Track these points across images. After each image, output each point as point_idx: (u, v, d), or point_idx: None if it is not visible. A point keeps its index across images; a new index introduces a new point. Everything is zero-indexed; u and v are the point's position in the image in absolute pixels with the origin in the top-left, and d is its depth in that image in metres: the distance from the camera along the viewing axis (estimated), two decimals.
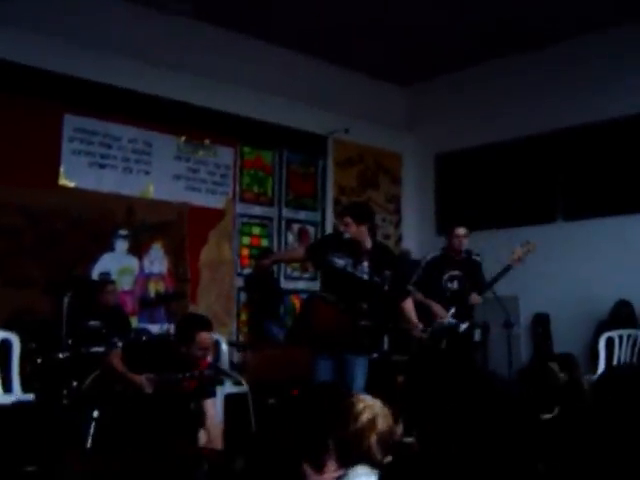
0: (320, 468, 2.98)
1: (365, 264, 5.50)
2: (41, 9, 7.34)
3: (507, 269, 6.43)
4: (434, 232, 10.21)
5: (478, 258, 6.69)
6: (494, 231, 9.32)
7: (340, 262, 5.52)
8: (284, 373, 7.47)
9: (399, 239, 10.57)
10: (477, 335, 6.57)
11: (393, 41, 9.04)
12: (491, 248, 7.86)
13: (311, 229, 9.68)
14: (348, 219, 5.53)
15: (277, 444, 3.98)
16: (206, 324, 5.03)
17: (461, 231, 6.53)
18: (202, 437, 4.22)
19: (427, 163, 10.62)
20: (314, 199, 9.76)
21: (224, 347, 7.77)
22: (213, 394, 5.16)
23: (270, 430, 5.52)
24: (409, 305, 5.72)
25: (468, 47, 9.21)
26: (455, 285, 6.49)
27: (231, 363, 7.91)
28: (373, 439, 2.86)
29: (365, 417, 2.90)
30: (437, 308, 6.31)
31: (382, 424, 2.91)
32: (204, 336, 4.94)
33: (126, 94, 7.87)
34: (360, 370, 5.53)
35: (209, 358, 5.23)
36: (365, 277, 5.50)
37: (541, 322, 8.93)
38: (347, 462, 2.86)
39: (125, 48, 7.81)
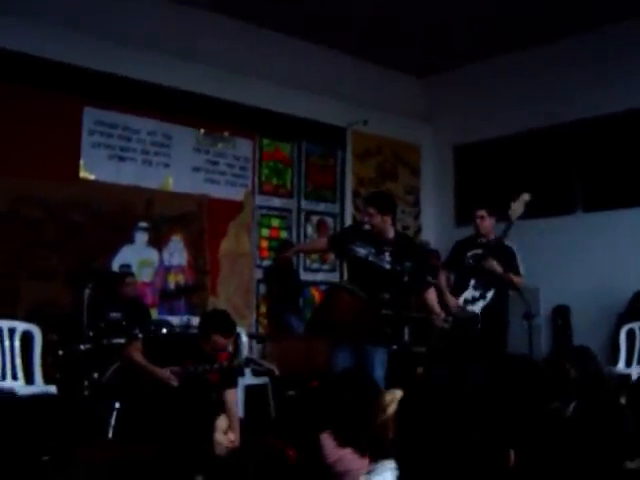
0: (364, 452, 3.00)
1: (387, 254, 5.50)
2: (62, 3, 7.36)
3: (509, 226, 6.23)
4: (453, 224, 10.19)
5: (511, 245, 6.47)
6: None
7: (362, 251, 5.52)
8: (303, 365, 7.49)
9: (418, 230, 10.55)
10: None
11: (412, 32, 9.01)
12: (511, 240, 7.85)
13: (330, 221, 9.68)
14: (372, 209, 5.50)
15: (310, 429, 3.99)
16: (223, 328, 5.03)
17: (479, 212, 6.36)
18: (222, 424, 4.21)
19: (446, 155, 10.60)
20: (333, 191, 9.75)
21: (244, 339, 7.80)
22: (235, 385, 5.19)
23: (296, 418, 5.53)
24: (432, 295, 5.72)
25: (487, 38, 9.17)
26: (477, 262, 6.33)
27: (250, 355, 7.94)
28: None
29: (392, 409, 2.90)
30: (448, 297, 6.22)
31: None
32: (218, 339, 4.98)
33: (145, 87, 7.89)
34: (380, 361, 5.51)
35: (230, 348, 5.26)
36: (387, 266, 5.50)
37: (561, 314, 8.89)
38: (376, 455, 2.86)
39: (144, 41, 7.83)
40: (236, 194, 8.75)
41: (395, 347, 6.22)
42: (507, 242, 6.38)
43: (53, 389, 5.98)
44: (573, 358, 5.18)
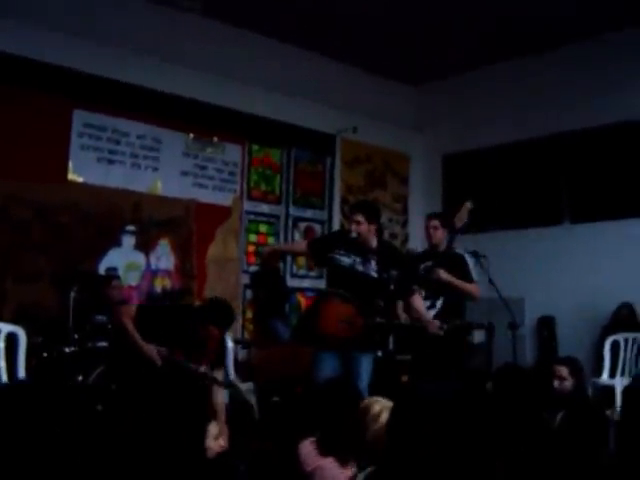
0: (346, 463, 3.01)
1: (373, 262, 5.56)
2: (52, 4, 7.37)
3: (453, 235, 6.30)
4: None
5: (462, 252, 6.45)
6: (501, 232, 9.33)
7: (346, 260, 5.55)
8: (289, 371, 7.50)
9: (406, 239, 10.57)
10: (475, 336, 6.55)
11: (403, 40, 9.05)
12: (497, 249, 7.88)
13: (318, 227, 9.69)
14: (360, 217, 5.56)
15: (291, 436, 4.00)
16: (221, 321, 5.13)
17: (432, 222, 6.46)
18: (213, 430, 4.20)
19: (435, 164, 10.63)
20: (321, 198, 9.76)
21: (229, 344, 7.79)
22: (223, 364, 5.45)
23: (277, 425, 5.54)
24: (418, 302, 5.81)
25: (477, 48, 9.22)
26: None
27: (236, 360, 7.93)
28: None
29: (384, 418, 2.92)
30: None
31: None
32: (213, 331, 5.08)
33: (135, 90, 7.89)
34: (366, 368, 5.58)
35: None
36: (374, 275, 5.58)
37: (546, 324, 8.92)
38: (366, 462, 2.88)
39: (135, 44, 7.84)
40: (224, 199, 8.75)
41: (380, 354, 6.23)
42: (458, 250, 6.42)
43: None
44: (572, 367, 5.22)
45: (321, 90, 9.45)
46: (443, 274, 6.13)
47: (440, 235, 6.38)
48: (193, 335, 5.08)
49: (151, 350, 5.07)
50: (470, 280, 6.30)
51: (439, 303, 6.20)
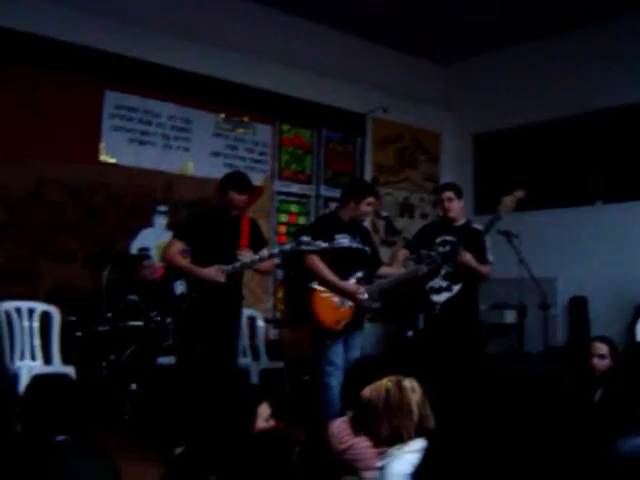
0: (379, 441, 3.05)
1: (358, 238, 5.79)
2: None
3: (496, 218, 5.93)
4: (472, 212, 10.16)
5: (479, 227, 6.18)
6: (532, 212, 9.24)
7: (345, 241, 5.69)
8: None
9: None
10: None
11: (433, 19, 8.97)
12: (529, 229, 7.85)
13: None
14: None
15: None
16: (239, 185, 5.36)
17: (446, 194, 6.15)
18: (264, 411, 4.13)
19: (465, 143, 10.57)
20: (352, 178, 9.74)
21: (261, 323, 7.86)
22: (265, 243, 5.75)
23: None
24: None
25: (508, 26, 9.11)
26: (447, 248, 6.02)
27: (267, 339, 7.99)
28: (425, 409, 2.95)
29: (416, 397, 2.97)
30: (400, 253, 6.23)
31: (419, 393, 3.00)
32: (234, 196, 5.31)
33: (166, 71, 7.90)
34: (358, 343, 5.79)
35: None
36: (367, 249, 5.84)
37: (578, 305, 8.85)
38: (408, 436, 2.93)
39: (165, 25, 7.84)
40: (255, 179, 8.69)
41: (410, 334, 6.19)
42: (476, 225, 6.22)
43: (71, 370, 6.05)
44: (611, 346, 5.19)
45: (351, 69, 9.41)
46: (470, 258, 5.90)
47: (456, 207, 6.15)
48: (226, 220, 5.38)
49: (209, 271, 5.19)
50: (485, 260, 6.07)
51: (456, 288, 5.97)
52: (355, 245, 5.71)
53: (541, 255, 7.81)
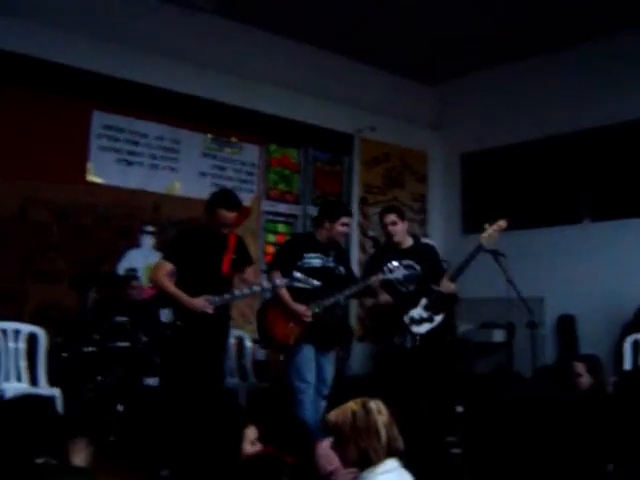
0: (347, 465, 3.03)
1: (331, 258, 5.84)
2: (70, 7, 7.39)
3: (479, 249, 5.76)
4: (460, 231, 10.20)
5: (429, 242, 6.09)
6: (519, 231, 9.24)
7: (316, 261, 5.75)
8: None
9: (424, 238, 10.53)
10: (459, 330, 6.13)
11: (420, 40, 9.03)
12: (516, 248, 7.83)
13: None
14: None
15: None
16: (227, 202, 5.37)
17: (389, 218, 5.88)
18: (251, 434, 4.07)
19: (453, 162, 10.60)
20: (340, 197, 9.75)
21: (248, 344, 7.82)
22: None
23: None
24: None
25: (495, 47, 9.17)
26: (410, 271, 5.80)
27: (255, 360, 7.95)
28: (395, 429, 2.92)
29: (385, 413, 2.94)
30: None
31: (386, 414, 2.97)
32: (224, 214, 5.32)
33: (153, 91, 7.92)
34: (332, 362, 5.99)
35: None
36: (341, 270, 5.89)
37: (567, 324, 8.86)
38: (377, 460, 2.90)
39: (152, 46, 7.87)
40: (243, 199, 8.67)
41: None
42: (425, 240, 6.20)
43: (57, 391, 6.00)
44: (590, 365, 5.20)
45: (338, 90, 9.44)
46: (450, 286, 5.72)
47: (401, 230, 5.89)
48: (213, 235, 5.41)
49: (198, 301, 5.19)
50: (442, 272, 5.81)
51: (438, 319, 5.76)
52: (328, 265, 5.75)
53: (529, 274, 7.79)
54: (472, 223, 10.07)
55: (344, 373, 8.19)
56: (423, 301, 5.74)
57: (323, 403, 5.78)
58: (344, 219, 5.78)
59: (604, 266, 8.56)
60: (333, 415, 3.05)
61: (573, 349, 8.64)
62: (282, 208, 9.21)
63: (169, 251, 5.58)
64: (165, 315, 5.36)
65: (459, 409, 7.20)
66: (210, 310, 5.18)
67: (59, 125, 7.37)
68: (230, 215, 5.35)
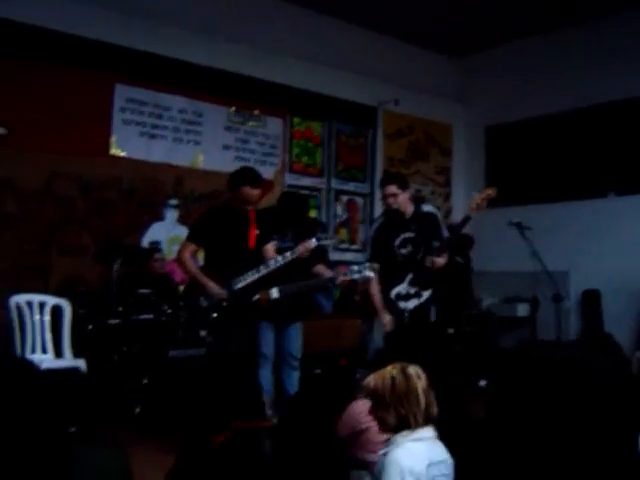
0: (387, 429, 3.04)
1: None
2: None
3: (466, 219, 5.63)
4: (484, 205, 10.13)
5: (430, 209, 5.90)
6: (544, 205, 9.22)
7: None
8: (332, 343, 7.52)
9: (449, 212, 10.49)
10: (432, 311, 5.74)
11: (444, 12, 8.93)
12: (542, 222, 7.81)
13: (360, 200, 9.66)
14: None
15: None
16: (253, 180, 5.38)
17: (389, 189, 5.69)
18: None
19: (477, 135, 10.53)
20: (363, 170, 9.72)
21: None
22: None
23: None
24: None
25: (519, 19, 9.06)
26: (409, 249, 5.68)
27: None
28: (430, 396, 2.91)
29: (424, 379, 2.96)
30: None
31: (424, 379, 2.98)
32: (248, 191, 5.34)
33: (176, 64, 7.89)
34: (298, 334, 6.13)
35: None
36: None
37: (591, 298, 8.80)
38: (413, 424, 2.92)
39: (175, 19, 7.83)
40: (266, 172, 8.71)
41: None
42: (426, 208, 5.88)
43: (82, 363, 6.05)
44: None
45: (362, 62, 9.37)
46: (441, 261, 5.56)
47: (402, 200, 5.69)
48: (235, 213, 5.44)
49: (213, 287, 5.29)
50: (441, 238, 5.67)
51: (426, 295, 5.65)
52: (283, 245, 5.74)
53: (554, 248, 7.77)
54: (496, 196, 10.00)
55: (368, 346, 8.19)
56: (409, 277, 5.63)
57: (296, 373, 6.00)
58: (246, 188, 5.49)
59: (629, 240, 8.49)
60: (372, 380, 3.06)
61: (597, 324, 8.60)
62: (305, 181, 9.18)
63: (193, 232, 5.64)
64: (207, 300, 5.38)
65: (482, 383, 7.22)
66: (224, 296, 5.27)
67: (82, 99, 7.36)
68: (254, 192, 5.36)
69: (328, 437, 3.88)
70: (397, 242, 5.70)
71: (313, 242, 5.44)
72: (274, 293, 5.63)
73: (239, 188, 5.35)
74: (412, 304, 5.63)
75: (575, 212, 9.04)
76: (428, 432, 2.95)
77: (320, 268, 5.95)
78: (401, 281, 5.65)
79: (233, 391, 5.11)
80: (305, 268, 5.79)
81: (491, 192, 5.66)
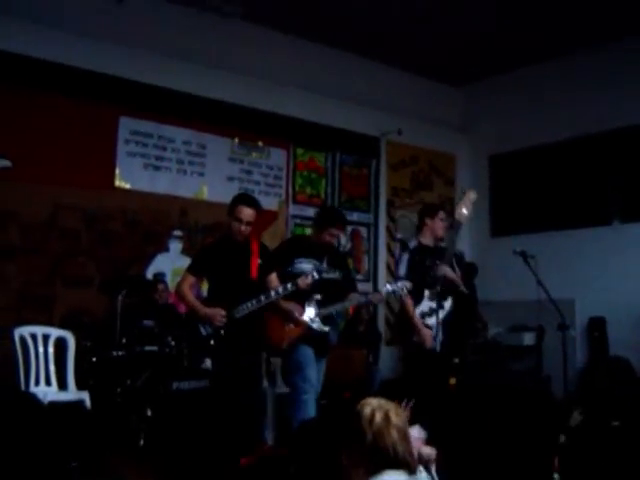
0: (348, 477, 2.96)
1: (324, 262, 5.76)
2: (97, 14, 7.46)
3: (459, 227, 6.05)
4: (488, 234, 10.13)
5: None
6: (549, 233, 9.21)
7: (307, 266, 5.64)
8: (337, 375, 7.47)
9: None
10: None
11: (447, 42, 8.99)
12: (546, 250, 7.78)
13: (364, 231, 9.66)
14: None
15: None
16: (247, 200, 5.46)
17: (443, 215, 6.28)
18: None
19: (481, 164, 10.53)
20: (367, 201, 9.73)
21: None
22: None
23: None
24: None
25: (521, 48, 9.11)
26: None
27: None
28: (394, 435, 2.83)
29: (379, 417, 2.87)
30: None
31: (396, 418, 2.89)
32: (242, 210, 5.33)
33: (181, 97, 7.95)
34: (323, 368, 5.90)
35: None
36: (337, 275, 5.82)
37: (597, 325, 8.76)
38: (376, 468, 2.82)
39: (179, 51, 7.90)
40: (270, 203, 8.76)
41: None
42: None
43: (86, 395, 6.02)
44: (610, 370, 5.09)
45: (365, 93, 9.42)
46: (449, 271, 5.89)
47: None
48: (235, 245, 5.40)
49: (210, 311, 5.24)
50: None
51: (447, 304, 5.94)
52: (319, 269, 5.62)
53: (559, 276, 7.74)
54: (501, 225, 10.01)
55: (373, 377, 8.16)
56: (426, 293, 5.86)
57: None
58: (332, 230, 5.69)
59: (634, 267, 8.45)
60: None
61: (604, 351, 8.55)
62: (309, 212, 9.18)
63: (193, 264, 5.64)
64: (205, 328, 5.37)
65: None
66: (220, 323, 5.22)
67: (87, 131, 7.43)
68: (248, 211, 5.34)
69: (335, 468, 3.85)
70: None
71: (314, 275, 5.41)
72: (311, 311, 5.60)
73: (235, 208, 5.36)
74: (441, 316, 5.81)
75: (579, 240, 9.02)
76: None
77: (354, 297, 5.97)
78: (419, 302, 5.86)
79: (234, 421, 5.07)
80: (340, 296, 5.79)
81: (471, 194, 6.11)
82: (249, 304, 5.28)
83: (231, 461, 4.29)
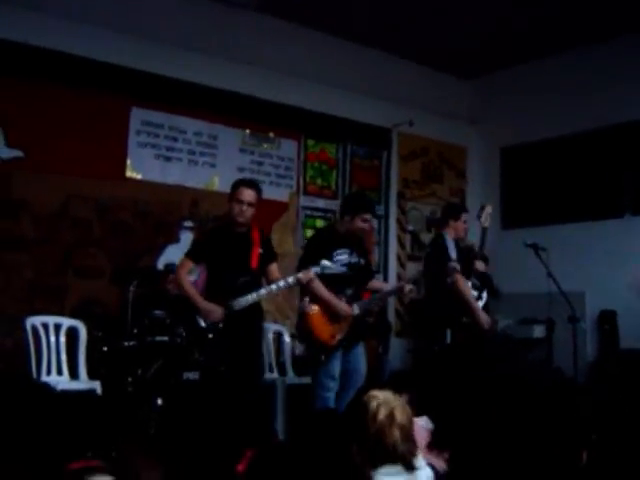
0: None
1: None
2: (109, 4, 7.46)
3: (484, 234, 6.50)
4: (499, 226, 10.10)
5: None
6: (560, 225, 9.18)
7: (343, 257, 5.67)
8: None
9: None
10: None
11: (458, 33, 8.96)
12: (557, 242, 7.77)
13: (375, 222, 9.65)
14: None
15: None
16: (247, 182, 5.54)
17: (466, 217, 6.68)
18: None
19: (492, 157, 10.50)
20: (378, 192, 9.72)
21: (287, 339, 7.82)
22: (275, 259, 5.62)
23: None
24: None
25: (534, 40, 9.07)
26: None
27: (294, 355, 7.96)
28: (396, 434, 2.83)
29: (382, 414, 2.86)
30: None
31: (401, 416, 2.88)
32: (243, 190, 5.33)
33: (192, 87, 7.96)
34: (362, 354, 5.87)
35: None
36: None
37: (608, 318, 8.74)
38: (375, 463, 2.82)
39: (191, 42, 7.91)
40: (281, 195, 8.78)
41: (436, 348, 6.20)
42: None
43: (97, 385, 6.06)
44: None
45: (376, 84, 9.41)
46: (484, 267, 6.36)
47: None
48: (236, 234, 5.42)
49: (208, 305, 5.24)
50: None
51: (485, 295, 6.34)
52: (353, 260, 5.68)
53: (569, 268, 7.74)
54: (512, 218, 9.98)
55: (383, 368, 8.17)
56: (470, 282, 6.25)
57: (351, 392, 5.73)
58: (364, 215, 5.65)
59: None
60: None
61: (614, 344, 8.53)
62: (320, 203, 9.20)
63: (192, 249, 5.65)
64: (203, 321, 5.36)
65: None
66: (218, 319, 5.20)
67: (99, 121, 7.44)
68: (249, 191, 5.33)
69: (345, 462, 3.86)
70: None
71: (316, 269, 5.37)
72: (355, 309, 5.61)
73: (235, 190, 5.35)
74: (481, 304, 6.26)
75: (591, 232, 8.99)
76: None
77: (376, 284, 6.07)
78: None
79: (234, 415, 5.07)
80: (362, 286, 5.84)
81: (488, 209, 6.63)
82: (249, 297, 5.25)
83: (232, 458, 4.30)
